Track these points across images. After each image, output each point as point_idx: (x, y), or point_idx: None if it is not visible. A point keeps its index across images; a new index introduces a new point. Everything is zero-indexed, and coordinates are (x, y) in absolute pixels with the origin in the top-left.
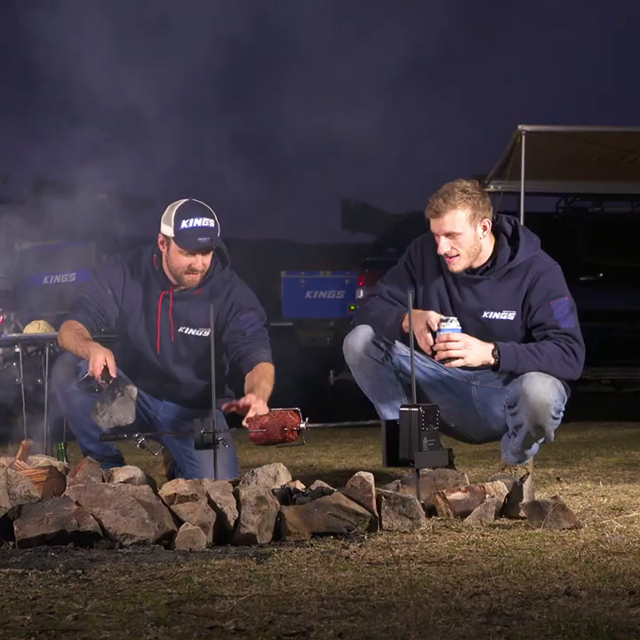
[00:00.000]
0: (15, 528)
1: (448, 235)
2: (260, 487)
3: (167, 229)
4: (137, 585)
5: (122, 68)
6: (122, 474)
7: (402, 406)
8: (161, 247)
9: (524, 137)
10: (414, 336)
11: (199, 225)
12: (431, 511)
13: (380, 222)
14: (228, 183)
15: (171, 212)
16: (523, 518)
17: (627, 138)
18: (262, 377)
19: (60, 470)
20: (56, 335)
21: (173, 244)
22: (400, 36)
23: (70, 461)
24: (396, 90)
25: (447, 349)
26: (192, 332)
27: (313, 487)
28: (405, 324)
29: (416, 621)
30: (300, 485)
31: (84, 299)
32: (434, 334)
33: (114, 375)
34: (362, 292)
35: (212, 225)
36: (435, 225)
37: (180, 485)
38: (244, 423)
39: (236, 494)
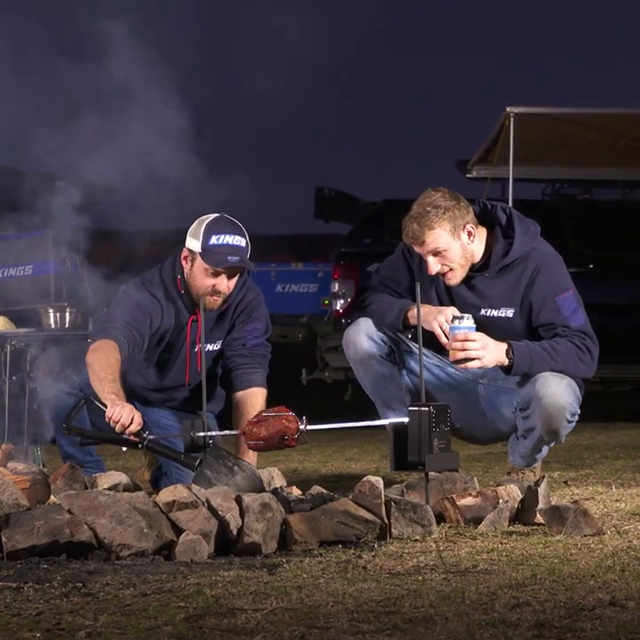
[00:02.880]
0: (3, 539)
1: (434, 253)
2: (263, 493)
3: (194, 244)
4: (145, 599)
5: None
6: (106, 480)
7: (411, 405)
8: (184, 263)
9: (512, 119)
10: (423, 330)
11: (230, 242)
12: (439, 518)
13: (355, 210)
14: (181, 170)
15: (199, 226)
16: (538, 524)
17: (620, 120)
18: (248, 416)
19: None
20: (17, 332)
21: (199, 260)
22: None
23: (46, 466)
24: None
25: (465, 349)
26: (209, 347)
27: (311, 493)
28: (411, 313)
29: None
30: (296, 491)
31: (129, 323)
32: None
33: (134, 427)
34: (337, 284)
35: (244, 244)
36: (417, 249)
37: (178, 492)
38: (238, 431)
39: (239, 501)
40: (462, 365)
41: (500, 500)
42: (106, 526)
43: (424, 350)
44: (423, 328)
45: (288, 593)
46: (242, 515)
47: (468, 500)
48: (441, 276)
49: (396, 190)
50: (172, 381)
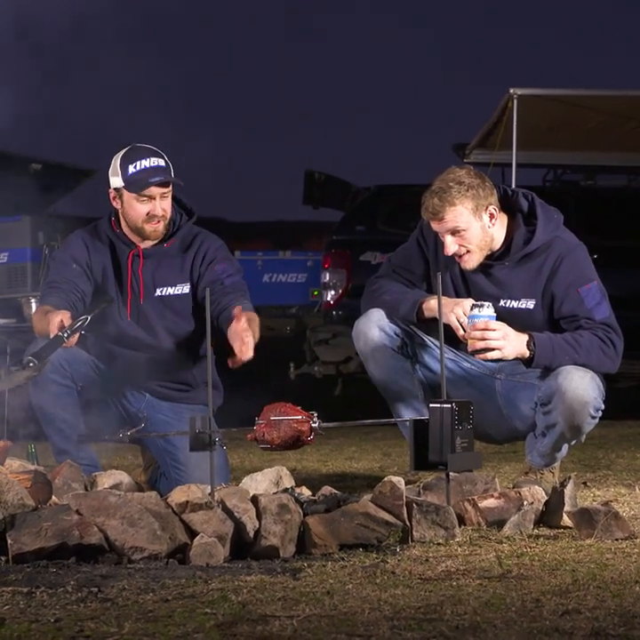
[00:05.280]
0: (9, 541)
1: (453, 232)
2: (281, 494)
3: (116, 181)
4: (167, 604)
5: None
6: (107, 479)
7: (432, 402)
8: (114, 204)
9: (516, 101)
10: (448, 323)
11: (148, 165)
12: (459, 520)
13: (346, 196)
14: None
15: (115, 162)
16: (564, 527)
17: (628, 103)
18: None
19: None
20: None
21: (126, 194)
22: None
23: (41, 464)
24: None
25: (485, 339)
26: (170, 291)
27: (324, 493)
28: (425, 305)
29: None
30: (306, 491)
31: (53, 280)
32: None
33: (67, 323)
34: (328, 274)
35: (163, 164)
36: (435, 226)
37: (192, 492)
38: (248, 438)
39: (255, 501)
40: (481, 356)
41: (525, 502)
42: (117, 528)
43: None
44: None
45: (319, 599)
46: (258, 516)
47: (490, 502)
48: (457, 257)
49: (390, 175)
50: (121, 317)
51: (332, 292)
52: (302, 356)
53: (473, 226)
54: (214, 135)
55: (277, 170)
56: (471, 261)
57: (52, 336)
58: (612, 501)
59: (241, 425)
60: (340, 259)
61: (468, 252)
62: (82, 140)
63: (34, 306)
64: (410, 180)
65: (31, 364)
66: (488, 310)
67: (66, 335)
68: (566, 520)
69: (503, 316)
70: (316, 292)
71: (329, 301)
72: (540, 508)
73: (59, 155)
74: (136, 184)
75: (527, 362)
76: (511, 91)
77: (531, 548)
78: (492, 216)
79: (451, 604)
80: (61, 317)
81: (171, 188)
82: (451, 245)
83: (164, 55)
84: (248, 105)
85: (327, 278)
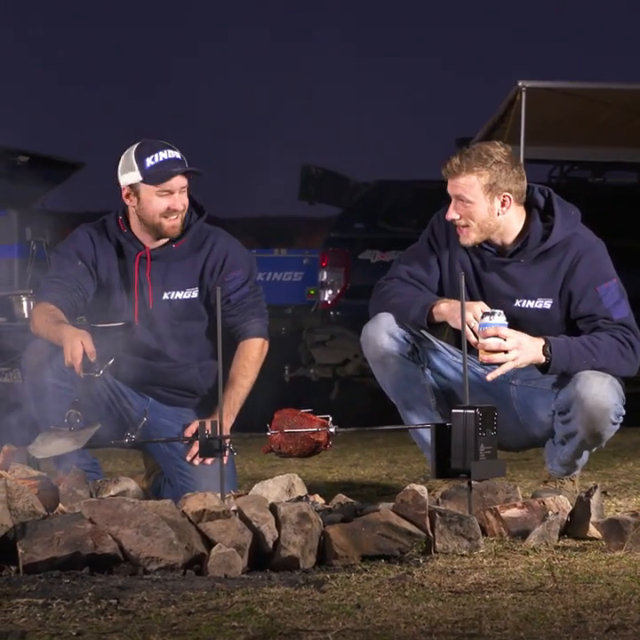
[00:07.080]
0: (20, 550)
1: (459, 198)
2: (300, 503)
3: (131, 176)
4: (191, 617)
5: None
6: (113, 486)
7: (454, 407)
8: (128, 202)
9: (524, 94)
10: (449, 327)
11: (167, 157)
12: (480, 530)
13: (344, 192)
14: None
15: (128, 158)
16: (590, 538)
17: None
18: (239, 369)
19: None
20: None
21: (144, 189)
22: None
23: (42, 470)
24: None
25: (496, 351)
26: (179, 295)
27: (340, 502)
28: (436, 309)
29: None
30: (319, 500)
31: (55, 275)
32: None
33: (93, 359)
34: (325, 273)
35: (179, 156)
36: (449, 185)
37: (208, 500)
38: (264, 450)
39: (274, 510)
40: (495, 374)
41: (550, 512)
42: (132, 537)
43: (450, 348)
44: (450, 325)
45: (349, 612)
46: (278, 526)
47: (513, 512)
48: (457, 229)
49: (391, 170)
50: (123, 319)
51: (330, 292)
52: (298, 358)
53: (480, 203)
54: (209, 131)
55: (273, 163)
56: (468, 238)
57: (76, 369)
58: (637, 511)
59: (237, 429)
60: (338, 257)
61: (466, 226)
62: (71, 131)
63: (25, 304)
64: (410, 175)
65: (78, 420)
66: (499, 318)
67: (99, 375)
68: (593, 531)
69: (518, 316)
70: (312, 292)
71: (326, 301)
72: (565, 519)
73: (47, 147)
74: (156, 176)
75: (543, 368)
76: (520, 83)
77: (559, 559)
78: (504, 203)
79: (488, 618)
80: (81, 341)
81: (188, 183)
82: (452, 211)
83: (162, 54)
84: (245, 100)
85: (324, 277)
